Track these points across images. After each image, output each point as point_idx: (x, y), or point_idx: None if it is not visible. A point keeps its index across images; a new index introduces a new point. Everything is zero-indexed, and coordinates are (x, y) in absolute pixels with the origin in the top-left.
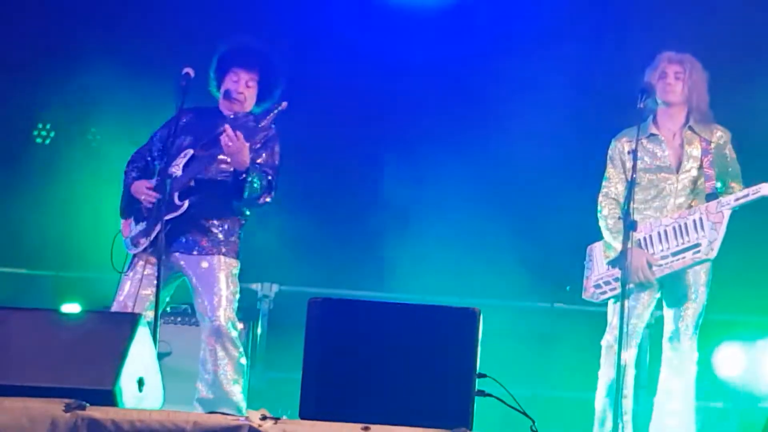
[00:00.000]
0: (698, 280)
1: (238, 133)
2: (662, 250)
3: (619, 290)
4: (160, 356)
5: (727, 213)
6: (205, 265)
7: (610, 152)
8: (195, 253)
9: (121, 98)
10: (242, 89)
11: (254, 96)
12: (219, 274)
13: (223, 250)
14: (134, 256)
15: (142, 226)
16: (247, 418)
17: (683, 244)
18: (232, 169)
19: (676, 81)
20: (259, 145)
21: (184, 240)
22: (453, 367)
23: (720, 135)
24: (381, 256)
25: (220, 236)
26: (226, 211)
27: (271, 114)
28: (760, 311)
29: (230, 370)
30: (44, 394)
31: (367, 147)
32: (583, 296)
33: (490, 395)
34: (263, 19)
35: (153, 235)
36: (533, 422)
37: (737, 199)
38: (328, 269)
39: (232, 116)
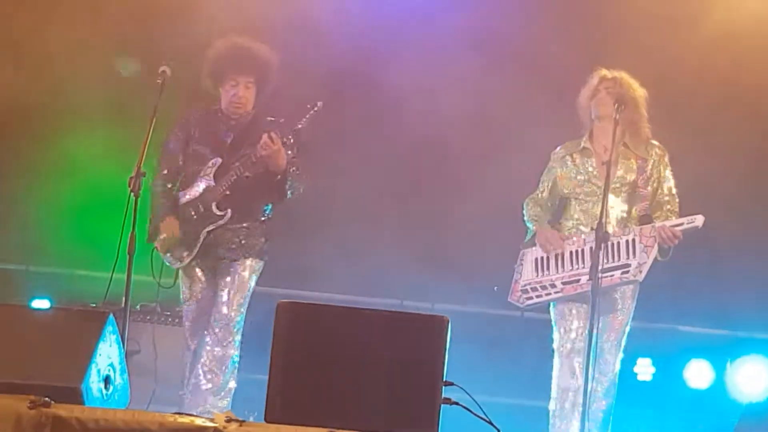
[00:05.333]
0: (625, 294)
1: (274, 136)
2: (592, 266)
3: (545, 297)
4: (128, 354)
5: (659, 238)
6: (238, 268)
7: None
8: (233, 258)
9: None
10: (242, 93)
11: (253, 95)
12: (250, 276)
13: (254, 252)
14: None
15: (180, 241)
16: (212, 420)
17: (613, 262)
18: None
19: (607, 95)
20: (290, 152)
21: (224, 247)
22: (420, 374)
23: (656, 152)
24: (353, 259)
25: (253, 239)
26: (258, 213)
27: (307, 116)
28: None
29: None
30: (10, 391)
31: (348, 149)
32: (509, 299)
33: (456, 403)
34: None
35: (196, 248)
36: (498, 431)
37: (672, 227)
38: (300, 270)
39: (238, 117)
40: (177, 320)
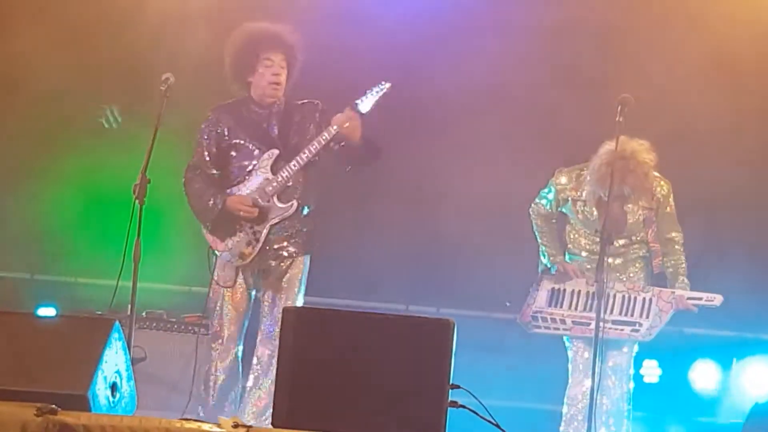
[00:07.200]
0: None
1: (353, 114)
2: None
3: (552, 331)
4: (134, 361)
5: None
6: (290, 267)
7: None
8: (288, 255)
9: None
10: (278, 71)
11: (286, 78)
12: (302, 271)
13: (307, 248)
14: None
15: (240, 236)
16: (219, 425)
17: (625, 317)
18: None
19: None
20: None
21: (276, 249)
22: (427, 377)
23: (659, 189)
24: (358, 264)
25: (305, 237)
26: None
27: (377, 98)
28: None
29: None
30: (16, 398)
31: None
32: (519, 320)
33: (463, 406)
34: None
35: (259, 245)
36: None
37: (689, 299)
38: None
39: (271, 104)
40: (183, 327)
